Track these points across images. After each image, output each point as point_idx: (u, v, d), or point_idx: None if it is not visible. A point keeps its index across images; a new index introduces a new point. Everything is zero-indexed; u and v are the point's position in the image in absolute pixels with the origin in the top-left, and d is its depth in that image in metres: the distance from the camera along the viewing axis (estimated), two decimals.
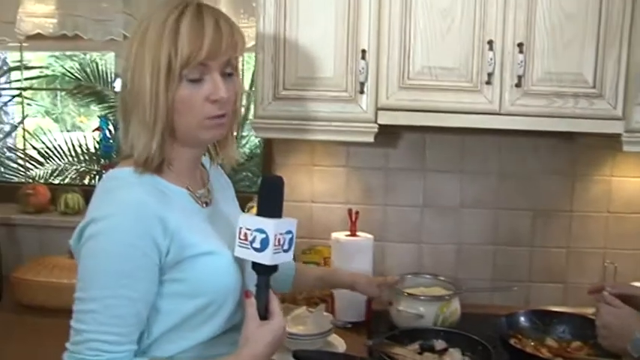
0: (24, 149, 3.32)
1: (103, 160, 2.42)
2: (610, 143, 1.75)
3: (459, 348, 1.63)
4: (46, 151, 3.51)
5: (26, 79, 3.67)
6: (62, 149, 3.53)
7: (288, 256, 1.13)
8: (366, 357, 1.60)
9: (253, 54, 1.75)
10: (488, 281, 2.10)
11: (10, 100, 3.64)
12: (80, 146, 3.51)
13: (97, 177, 3.14)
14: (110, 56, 3.57)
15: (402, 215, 2.11)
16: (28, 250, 2.20)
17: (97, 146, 2.40)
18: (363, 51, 1.66)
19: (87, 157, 3.43)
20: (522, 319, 1.79)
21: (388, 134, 2.01)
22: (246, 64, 2.67)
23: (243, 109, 3.30)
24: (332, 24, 1.67)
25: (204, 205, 1.21)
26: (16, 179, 3.34)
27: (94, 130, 2.41)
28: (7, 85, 3.64)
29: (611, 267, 2.02)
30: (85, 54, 3.72)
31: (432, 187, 2.10)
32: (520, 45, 1.63)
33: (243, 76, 2.26)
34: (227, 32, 1.11)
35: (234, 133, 1.29)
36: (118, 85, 3.31)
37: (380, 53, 1.67)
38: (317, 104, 1.70)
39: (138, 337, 1.08)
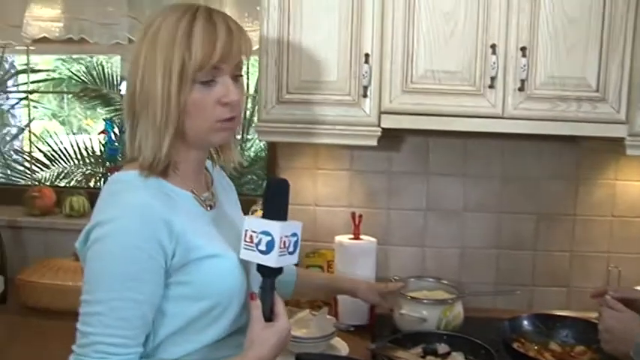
0: (30, 152, 3.33)
1: (108, 162, 2.43)
2: (613, 147, 1.75)
3: (461, 352, 1.63)
4: (52, 154, 3.52)
5: (33, 82, 3.69)
6: (68, 152, 3.55)
7: (294, 259, 1.14)
8: None
9: (257, 57, 1.76)
10: (492, 285, 2.10)
11: (17, 103, 3.66)
12: (86, 149, 3.53)
13: (103, 180, 3.15)
14: (116, 59, 3.60)
15: (405, 219, 2.11)
16: (33, 253, 2.21)
17: (103, 149, 2.41)
18: (367, 55, 1.67)
19: (93, 160, 3.44)
20: (525, 323, 1.79)
21: (391, 138, 2.02)
22: (252, 68, 2.68)
23: (248, 112, 3.32)
24: (335, 28, 1.68)
25: (208, 208, 1.22)
26: (23, 182, 3.36)
27: (99, 133, 2.42)
28: (14, 89, 3.66)
29: (615, 271, 2.02)
30: (91, 57, 3.73)
31: (436, 190, 2.10)
32: (523, 49, 1.63)
33: (248, 79, 2.27)
34: (238, 36, 1.13)
35: (237, 136, 1.30)
36: (124, 88, 3.33)
37: (383, 57, 1.68)
38: (320, 108, 1.70)
39: (144, 339, 1.08)
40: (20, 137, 3.70)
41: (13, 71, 3.64)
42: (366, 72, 1.67)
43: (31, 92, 3.32)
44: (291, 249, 1.12)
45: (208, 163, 1.31)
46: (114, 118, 2.74)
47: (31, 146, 3.30)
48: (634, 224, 2.08)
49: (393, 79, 1.68)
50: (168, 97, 1.08)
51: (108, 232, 1.04)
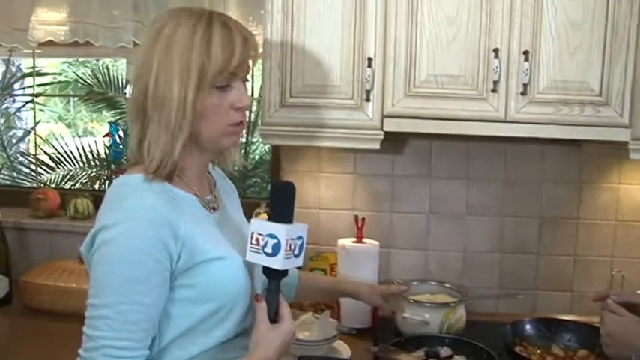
0: (35, 155, 3.36)
1: (113, 165, 2.45)
2: (617, 151, 1.74)
3: (464, 355, 1.63)
4: (57, 157, 3.55)
5: (39, 85, 3.72)
6: (73, 154, 3.57)
7: (299, 261, 1.15)
8: None
9: (261, 61, 1.77)
10: (495, 289, 2.10)
11: (23, 106, 3.69)
12: (91, 152, 3.55)
13: (108, 182, 3.17)
14: (122, 62, 3.62)
15: (408, 222, 2.11)
16: (38, 254, 2.22)
17: (107, 152, 2.43)
18: (370, 59, 1.67)
19: (98, 163, 3.47)
20: (528, 326, 1.79)
21: (395, 141, 2.03)
22: (256, 71, 2.69)
23: (253, 116, 3.33)
24: (338, 32, 1.68)
25: (212, 210, 1.23)
26: (29, 184, 3.38)
27: (104, 136, 2.44)
28: (20, 92, 3.69)
29: (618, 275, 2.01)
30: (97, 60, 3.76)
31: (438, 194, 2.10)
32: (526, 53, 1.64)
33: (253, 82, 2.28)
34: (251, 42, 1.16)
35: (242, 139, 1.31)
36: (129, 91, 3.35)
37: (386, 61, 1.68)
38: (323, 111, 1.71)
39: (150, 342, 1.08)
40: (26, 140, 3.73)
41: (19, 74, 3.67)
42: (368, 76, 1.67)
43: (37, 95, 3.34)
44: (296, 251, 1.14)
45: (209, 165, 1.32)
46: (119, 121, 2.76)
47: (36, 149, 3.33)
48: (638, 228, 2.07)
49: (395, 83, 1.68)
50: (184, 101, 1.09)
51: (114, 236, 1.05)
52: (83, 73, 4.03)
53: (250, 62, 1.18)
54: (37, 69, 3.53)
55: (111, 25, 2.20)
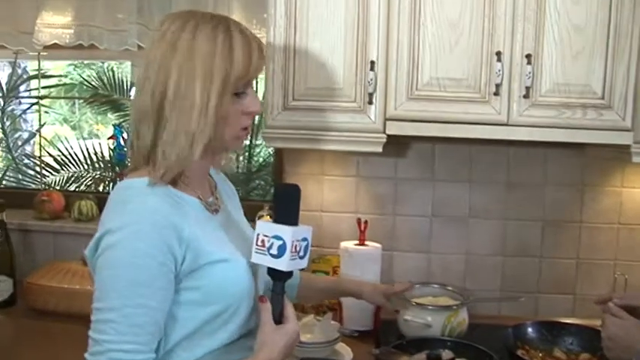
0: (40, 157, 3.37)
1: (117, 167, 2.46)
2: (619, 154, 1.74)
3: (465, 358, 1.62)
4: (62, 159, 3.56)
5: (44, 87, 3.74)
6: (78, 157, 3.58)
7: (304, 263, 1.16)
8: None
9: None
10: (497, 292, 2.10)
11: (28, 109, 3.71)
12: (95, 154, 3.56)
13: (112, 184, 3.18)
14: (127, 65, 3.63)
15: (410, 225, 2.12)
16: (42, 256, 2.23)
17: (112, 154, 2.44)
18: (372, 62, 1.68)
19: (102, 165, 3.48)
20: (530, 330, 1.79)
21: (397, 144, 2.03)
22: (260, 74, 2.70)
23: (256, 118, 3.34)
24: (341, 35, 1.69)
25: (214, 212, 1.23)
26: (34, 186, 3.40)
27: (108, 138, 2.45)
28: (26, 94, 3.71)
29: (621, 278, 2.01)
30: (103, 62, 3.77)
31: (441, 196, 2.10)
32: (528, 56, 1.64)
33: (257, 85, 2.29)
34: (264, 48, 1.19)
35: None
36: (135, 93, 3.36)
37: (389, 64, 1.69)
38: (326, 114, 1.71)
39: (156, 345, 1.09)
40: (31, 142, 3.75)
41: (25, 76, 3.69)
42: (371, 79, 1.68)
43: (42, 97, 3.36)
44: (301, 253, 1.14)
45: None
46: (123, 124, 2.77)
47: (41, 151, 3.34)
48: None
49: (398, 86, 1.69)
50: (207, 106, 1.11)
51: (119, 240, 1.05)
52: (88, 76, 4.05)
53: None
54: (42, 71, 3.55)
55: (115, 28, 2.22)
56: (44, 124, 3.64)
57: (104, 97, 3.71)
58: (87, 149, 3.60)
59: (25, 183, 3.54)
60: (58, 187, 3.35)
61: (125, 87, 3.74)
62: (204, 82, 1.10)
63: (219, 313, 1.13)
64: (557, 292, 2.10)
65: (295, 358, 1.55)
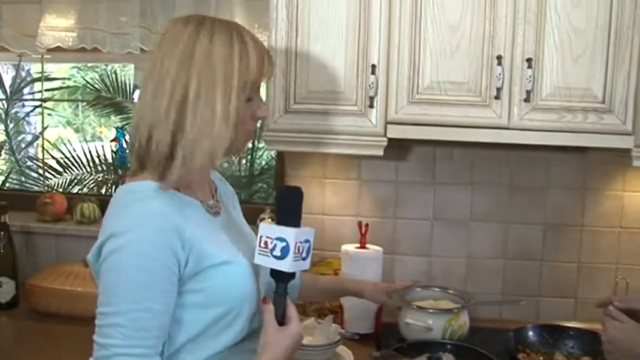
0: (43, 159, 3.38)
1: (119, 170, 2.47)
2: (620, 158, 1.74)
3: None
4: (65, 161, 3.58)
5: (47, 90, 3.76)
6: (80, 159, 3.60)
7: (306, 264, 1.17)
8: None
9: None
10: (498, 295, 2.10)
11: (31, 111, 3.73)
12: (98, 156, 3.58)
13: (114, 187, 3.19)
14: (130, 67, 3.65)
15: (412, 228, 2.12)
16: (44, 258, 2.24)
17: (114, 156, 2.45)
18: (373, 66, 1.68)
19: (104, 167, 3.49)
20: (531, 333, 1.79)
21: (399, 148, 2.04)
22: None
23: (259, 122, 3.34)
24: (343, 39, 1.70)
25: (215, 215, 1.24)
26: (36, 188, 3.41)
27: (111, 141, 2.46)
28: (29, 96, 3.73)
29: (622, 282, 2.00)
30: (106, 65, 3.79)
31: (442, 200, 2.11)
32: (529, 60, 1.64)
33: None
34: (270, 53, 1.22)
35: None
36: (137, 96, 3.37)
37: (390, 68, 1.69)
38: (327, 118, 1.72)
39: (161, 348, 1.09)
40: (35, 144, 3.76)
41: (29, 79, 3.71)
42: (372, 82, 1.68)
43: (45, 100, 3.38)
44: (304, 254, 1.15)
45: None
46: (125, 126, 2.78)
47: (43, 153, 3.36)
48: None
49: (399, 90, 1.69)
50: (227, 111, 1.12)
51: (123, 244, 1.05)
52: (92, 79, 4.07)
53: None
54: (46, 74, 3.57)
55: (118, 32, 2.23)
56: (47, 126, 3.66)
57: (107, 99, 3.73)
58: (89, 152, 3.61)
59: (28, 185, 3.56)
60: (60, 190, 3.37)
61: (128, 90, 3.76)
62: (225, 88, 1.12)
63: (222, 315, 1.13)
64: (558, 296, 2.10)
65: None
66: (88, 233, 2.17)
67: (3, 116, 3.66)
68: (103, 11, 2.22)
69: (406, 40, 1.68)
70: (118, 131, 2.41)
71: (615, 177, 2.06)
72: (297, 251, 1.12)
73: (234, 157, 1.37)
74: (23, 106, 3.80)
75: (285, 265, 1.13)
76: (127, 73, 3.81)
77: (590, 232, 2.08)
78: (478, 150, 2.06)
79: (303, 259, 1.15)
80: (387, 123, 1.71)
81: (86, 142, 3.99)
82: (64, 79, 4.18)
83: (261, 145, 3.55)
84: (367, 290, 1.66)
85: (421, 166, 2.10)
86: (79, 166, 3.57)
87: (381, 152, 1.73)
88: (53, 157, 3.58)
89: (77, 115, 5.00)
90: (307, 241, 1.15)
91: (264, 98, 1.31)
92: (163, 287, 1.06)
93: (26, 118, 3.83)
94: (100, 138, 4.58)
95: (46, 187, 3.29)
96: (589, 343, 1.72)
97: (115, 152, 2.42)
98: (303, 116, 1.73)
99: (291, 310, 1.17)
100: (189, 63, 1.12)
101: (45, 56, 2.45)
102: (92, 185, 3.50)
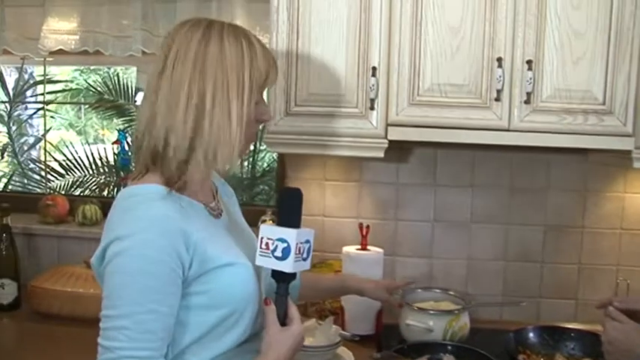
0: (45, 161, 3.39)
1: (121, 172, 2.48)
2: (621, 160, 1.74)
3: None
4: (67, 164, 3.59)
5: (50, 92, 3.77)
6: (83, 161, 3.61)
7: (307, 265, 1.18)
8: None
9: None
10: (499, 296, 2.10)
11: (34, 114, 3.74)
12: (100, 159, 3.59)
13: (116, 189, 3.20)
14: (132, 70, 3.66)
15: (412, 230, 2.12)
16: (46, 260, 2.25)
17: (116, 158, 2.46)
18: (374, 68, 1.69)
19: (106, 170, 3.50)
20: (531, 334, 1.79)
21: (399, 149, 2.04)
22: None
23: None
24: (343, 41, 1.70)
25: (217, 217, 1.24)
26: (39, 190, 3.42)
27: (113, 143, 2.47)
28: (32, 99, 3.74)
29: (623, 283, 2.01)
30: (109, 68, 3.80)
31: (443, 202, 2.11)
32: (529, 62, 1.65)
33: None
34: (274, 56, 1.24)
35: None
36: (139, 99, 3.39)
37: (390, 70, 1.70)
38: (328, 120, 1.72)
39: (166, 350, 1.09)
40: (37, 147, 3.78)
41: (31, 82, 3.72)
42: (373, 85, 1.69)
43: (47, 103, 3.39)
44: (305, 255, 1.17)
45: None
46: (128, 129, 2.79)
47: (45, 155, 3.37)
48: None
49: (399, 92, 1.70)
50: (242, 114, 1.14)
51: (128, 247, 1.05)
52: (94, 81, 4.08)
53: None
54: (48, 77, 3.58)
55: (120, 34, 2.24)
56: (50, 129, 3.67)
57: (109, 102, 3.74)
58: (92, 154, 3.62)
59: (30, 187, 3.57)
60: (63, 192, 3.38)
61: (130, 92, 3.77)
62: (238, 91, 1.14)
63: (226, 316, 1.14)
64: (559, 297, 2.10)
65: None
66: (90, 235, 2.18)
67: (6, 119, 3.67)
68: (105, 14, 2.23)
69: (407, 42, 1.68)
70: (119, 134, 2.42)
71: (616, 178, 2.06)
72: (298, 252, 1.14)
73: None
74: (26, 108, 3.81)
75: (286, 266, 1.14)
76: (129, 75, 3.82)
77: (591, 233, 2.08)
78: (478, 152, 2.07)
79: (304, 259, 1.17)
80: (387, 125, 1.71)
81: (88, 144, 4.00)
82: (66, 81, 4.19)
83: (262, 148, 3.56)
84: (368, 288, 1.66)
85: (422, 167, 2.11)
86: (81, 168, 3.58)
87: (381, 154, 1.73)
88: (55, 160, 3.58)
89: (80, 118, 5.00)
90: (308, 241, 1.17)
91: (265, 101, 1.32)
92: (168, 289, 1.07)
93: (29, 121, 3.84)
94: (103, 140, 4.58)
95: (48, 190, 3.30)
96: (590, 345, 1.72)
97: (116, 155, 2.42)
98: (303, 118, 1.73)
99: (293, 311, 1.18)
100: (202, 67, 1.13)
101: (47, 59, 2.45)
102: (94, 187, 3.51)
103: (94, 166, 3.58)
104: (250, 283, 1.17)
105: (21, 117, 3.80)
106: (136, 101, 3.62)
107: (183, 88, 1.12)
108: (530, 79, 1.65)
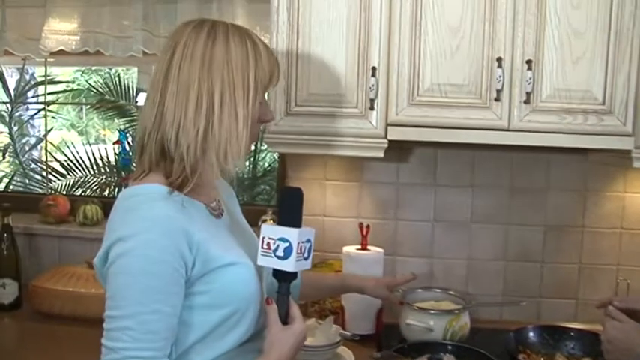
0: (47, 162, 3.40)
1: (123, 172, 2.48)
2: (621, 160, 1.74)
3: None
4: (68, 164, 3.59)
5: (51, 93, 3.78)
6: (84, 162, 3.61)
7: (308, 264, 1.19)
8: None
9: None
10: (499, 296, 2.10)
11: (36, 114, 3.75)
12: (101, 159, 3.59)
13: (116, 189, 3.21)
14: (133, 70, 3.67)
15: (413, 230, 2.12)
16: (47, 260, 2.25)
17: (117, 159, 2.46)
18: (374, 68, 1.69)
19: (107, 170, 3.51)
20: (531, 334, 1.80)
21: (399, 149, 2.04)
22: None
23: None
24: (343, 41, 1.71)
25: (218, 216, 1.25)
26: (40, 191, 3.43)
27: (113, 143, 2.48)
28: (33, 100, 3.75)
29: (624, 283, 2.01)
30: (110, 68, 3.81)
31: (443, 201, 2.11)
32: (529, 62, 1.65)
33: None
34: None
35: None
36: (141, 99, 3.40)
37: (390, 70, 1.70)
38: (328, 120, 1.73)
39: (170, 350, 1.10)
40: (39, 147, 3.78)
41: (33, 82, 3.73)
42: (373, 85, 1.69)
43: (48, 103, 3.40)
44: (306, 254, 1.17)
45: None
46: (129, 129, 2.80)
47: (47, 156, 3.37)
48: None
49: (399, 92, 1.70)
50: (248, 113, 1.16)
51: (131, 248, 1.06)
52: (95, 82, 4.09)
53: None
54: (50, 77, 3.59)
55: (121, 35, 2.25)
56: (51, 129, 3.67)
57: (111, 102, 3.74)
58: (93, 154, 3.63)
59: (31, 188, 3.57)
60: (64, 192, 3.38)
61: (131, 93, 3.77)
62: (244, 92, 1.15)
63: (229, 315, 1.14)
64: (559, 297, 2.10)
65: None
66: (91, 235, 2.19)
67: (7, 119, 3.67)
68: (106, 15, 2.24)
69: (406, 42, 1.69)
70: (120, 134, 2.42)
71: (616, 178, 2.06)
72: (299, 251, 1.15)
73: None
74: (27, 109, 3.82)
75: (288, 265, 1.15)
76: (130, 76, 3.82)
77: (591, 233, 2.08)
78: (478, 152, 2.07)
79: (305, 258, 1.18)
80: (387, 125, 1.71)
81: (90, 144, 4.01)
82: (67, 82, 4.20)
83: (263, 148, 3.56)
84: (369, 286, 1.67)
85: (422, 167, 2.11)
86: (83, 168, 3.59)
87: (381, 154, 1.73)
88: (57, 160, 3.59)
89: (81, 118, 5.01)
90: (308, 240, 1.18)
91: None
92: (171, 289, 1.07)
93: (30, 121, 3.85)
94: (104, 141, 4.59)
95: (49, 190, 3.31)
96: (590, 344, 1.72)
97: (117, 155, 2.43)
98: (304, 118, 1.74)
99: (295, 310, 1.19)
100: (209, 68, 1.13)
101: (49, 60, 2.46)
102: (95, 188, 3.52)
103: (95, 167, 3.58)
104: (252, 283, 1.17)
105: (22, 117, 3.80)
106: (137, 102, 3.62)
107: (193, 87, 1.13)
108: (530, 78, 1.65)
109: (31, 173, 3.67)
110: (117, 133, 2.52)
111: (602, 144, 1.69)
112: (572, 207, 2.08)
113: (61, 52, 2.30)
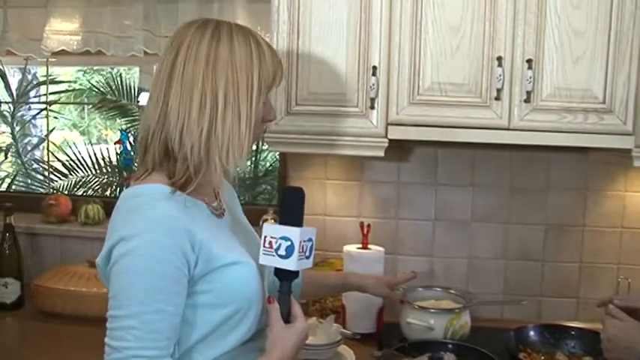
0: (48, 161, 3.41)
1: (124, 172, 2.49)
2: (621, 159, 1.75)
3: None
4: (70, 164, 3.60)
5: (53, 93, 3.78)
6: (85, 161, 3.62)
7: (310, 263, 1.19)
8: None
9: None
10: (500, 295, 2.10)
11: (38, 114, 3.76)
12: (103, 159, 3.60)
13: (118, 189, 3.21)
14: (135, 70, 3.67)
15: (413, 229, 2.13)
16: (49, 259, 2.26)
17: (118, 158, 2.47)
18: (374, 67, 1.69)
19: (109, 170, 3.51)
20: (532, 333, 1.80)
21: (400, 149, 2.05)
22: None
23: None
24: (344, 41, 1.71)
25: (220, 216, 1.25)
26: (42, 190, 3.44)
27: (115, 143, 2.48)
28: (35, 99, 3.76)
29: (624, 282, 2.01)
30: (112, 68, 3.81)
31: (444, 200, 2.11)
32: (529, 61, 1.65)
33: None
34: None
35: None
36: (142, 99, 3.40)
37: (390, 69, 1.70)
38: (328, 119, 1.73)
39: (173, 349, 1.10)
40: (41, 147, 3.79)
41: (35, 82, 3.74)
42: (373, 84, 1.69)
43: (50, 103, 3.40)
44: (307, 253, 1.18)
45: None
46: (130, 129, 2.80)
47: (48, 155, 3.38)
48: None
49: (400, 91, 1.70)
50: (251, 113, 1.16)
51: (134, 247, 1.06)
52: (97, 82, 4.09)
53: None
54: (52, 77, 3.60)
55: (122, 35, 2.26)
56: (53, 129, 3.68)
57: (112, 102, 3.75)
58: (94, 154, 3.64)
59: (33, 187, 3.58)
60: (65, 192, 3.39)
61: (133, 92, 3.78)
62: (248, 91, 1.15)
63: (231, 314, 1.15)
64: (560, 296, 2.10)
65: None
66: (93, 234, 2.20)
67: (9, 119, 3.68)
68: (107, 15, 2.25)
69: (407, 41, 1.69)
70: (122, 134, 2.43)
71: (617, 177, 2.06)
72: (301, 250, 1.15)
73: None
74: (29, 109, 3.83)
75: (290, 264, 1.15)
76: (131, 76, 3.83)
77: (592, 232, 2.08)
78: (479, 151, 2.07)
79: (307, 257, 1.18)
80: (387, 124, 1.72)
81: (91, 144, 4.01)
82: (69, 82, 4.21)
83: (265, 147, 3.56)
84: (369, 284, 1.67)
85: (422, 167, 2.11)
86: (84, 168, 3.59)
87: (382, 153, 1.73)
88: (58, 160, 3.60)
89: (83, 118, 5.02)
90: (310, 239, 1.18)
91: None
92: (174, 289, 1.08)
93: (32, 121, 3.86)
94: (106, 140, 4.59)
95: (51, 189, 3.32)
96: (590, 343, 1.72)
97: (119, 155, 2.43)
98: (304, 118, 1.74)
99: (296, 309, 1.19)
100: (214, 66, 1.14)
101: (50, 59, 2.46)
102: (97, 187, 3.52)
103: (96, 166, 3.59)
104: (254, 282, 1.18)
105: (24, 117, 3.81)
106: (138, 101, 3.63)
107: (197, 86, 1.13)
108: (530, 77, 1.65)
109: (33, 173, 3.68)
110: (118, 133, 2.53)
111: (602, 143, 1.69)
112: (573, 206, 2.08)
113: (63, 52, 2.31)
